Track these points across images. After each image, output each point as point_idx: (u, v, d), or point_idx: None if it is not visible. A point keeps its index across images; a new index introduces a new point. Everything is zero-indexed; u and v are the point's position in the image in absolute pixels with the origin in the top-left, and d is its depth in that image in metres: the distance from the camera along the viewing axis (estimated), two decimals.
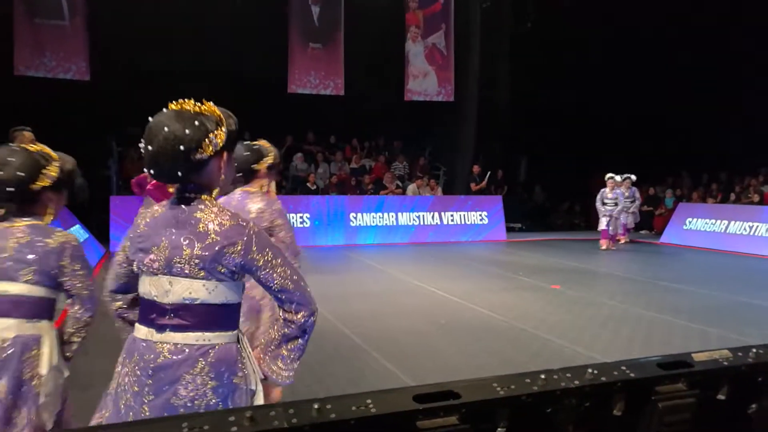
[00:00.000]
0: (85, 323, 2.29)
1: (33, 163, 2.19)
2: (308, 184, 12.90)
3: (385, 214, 12.57)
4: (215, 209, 1.78)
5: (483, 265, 9.69)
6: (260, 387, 1.87)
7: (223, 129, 1.79)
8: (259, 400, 1.85)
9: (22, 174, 2.15)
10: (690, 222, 13.22)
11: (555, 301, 7.01)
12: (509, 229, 13.80)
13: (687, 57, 14.70)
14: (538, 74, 15.38)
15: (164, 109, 1.75)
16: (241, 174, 3.11)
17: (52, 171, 2.24)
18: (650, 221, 14.98)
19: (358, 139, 15.02)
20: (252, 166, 3.15)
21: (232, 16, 12.63)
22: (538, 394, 1.20)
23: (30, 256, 2.17)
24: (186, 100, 1.77)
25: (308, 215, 11.97)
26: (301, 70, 13.14)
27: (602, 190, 11.78)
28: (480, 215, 13.28)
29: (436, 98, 14.30)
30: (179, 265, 1.73)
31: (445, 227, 12.93)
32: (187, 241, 1.73)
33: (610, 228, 11.67)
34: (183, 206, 1.78)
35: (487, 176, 14.29)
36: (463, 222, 13.10)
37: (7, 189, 2.14)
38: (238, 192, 3.14)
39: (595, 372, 1.25)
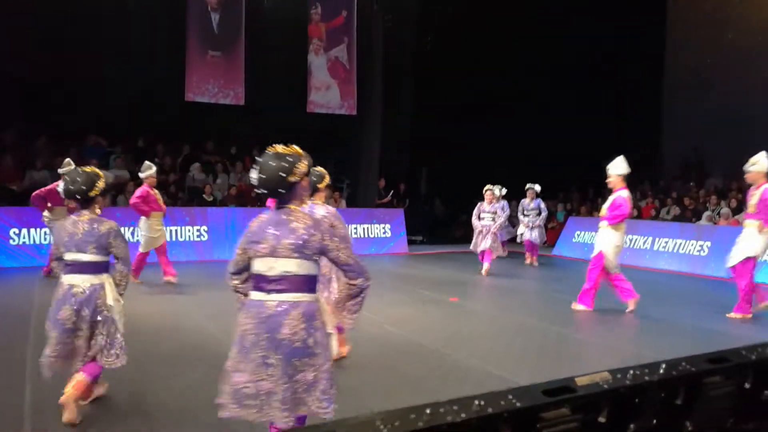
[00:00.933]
0: (126, 274, 3.83)
1: (90, 180, 3.73)
2: (204, 195, 12.40)
3: None
4: (300, 214, 2.78)
5: (385, 278, 9.73)
6: (334, 332, 2.90)
7: (305, 162, 2.79)
8: (333, 340, 2.87)
9: (85, 187, 3.70)
10: (579, 235, 14.01)
11: (453, 314, 7.14)
12: (411, 242, 14.00)
13: (583, 79, 15.68)
14: (441, 90, 15.81)
15: (266, 151, 2.83)
16: (308, 191, 4.35)
17: (101, 184, 3.78)
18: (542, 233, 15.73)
19: (259, 149, 14.67)
20: (317, 185, 4.54)
21: (125, 19, 11.97)
22: (423, 431, 1.16)
23: (91, 237, 3.66)
24: (278, 145, 2.86)
25: (205, 228, 11.50)
26: (199, 77, 12.66)
27: (479, 204, 10.42)
28: (383, 228, 13.37)
29: (339, 111, 14.28)
30: (279, 250, 2.69)
31: None
32: (284, 235, 2.69)
33: (487, 245, 10.18)
34: (280, 213, 2.77)
35: (391, 193, 14.58)
36: (366, 235, 13.12)
37: (76, 196, 3.72)
38: (307, 203, 4.26)
39: (482, 403, 1.23)
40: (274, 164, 2.73)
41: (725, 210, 12.58)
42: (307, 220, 2.75)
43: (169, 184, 12.66)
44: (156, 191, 8.77)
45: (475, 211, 10.43)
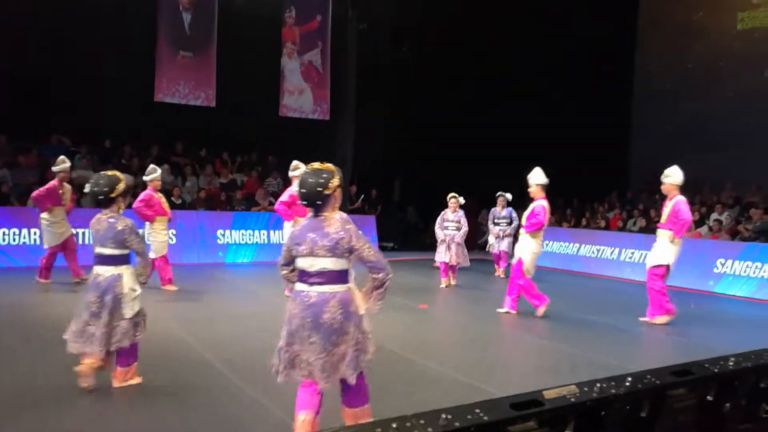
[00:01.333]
0: (144, 266, 4.40)
1: (112, 182, 4.28)
2: (173, 198, 12.17)
3: (256, 232, 12.21)
4: (332, 220, 3.28)
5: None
6: (365, 313, 3.37)
7: (337, 177, 3.29)
8: (366, 319, 3.37)
9: (107, 188, 4.25)
10: (547, 244, 14.17)
11: (423, 321, 7.14)
12: (382, 248, 13.97)
13: (556, 94, 15.90)
14: (415, 96, 15.87)
15: (307, 168, 3.37)
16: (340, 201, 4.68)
17: (121, 186, 4.31)
18: (514, 243, 15.85)
19: (230, 152, 14.52)
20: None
21: (92, 16, 11.73)
22: None
23: (110, 234, 4.21)
24: (314, 163, 3.36)
25: (173, 231, 11.29)
26: (169, 78, 12.46)
27: (443, 211, 10.05)
28: None
29: (312, 116, 14.22)
30: (317, 250, 3.22)
31: None
32: (320, 238, 3.22)
33: (451, 256, 9.76)
34: (316, 219, 3.30)
35: (361, 198, 14.54)
36: None
37: (99, 197, 4.25)
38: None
39: (449, 417, 1.21)
40: (312, 180, 3.24)
41: None
42: (338, 225, 3.26)
43: (136, 186, 12.41)
44: (161, 195, 8.50)
45: (438, 220, 10.09)
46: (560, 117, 15.80)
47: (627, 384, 1.49)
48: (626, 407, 1.49)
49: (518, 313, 7.71)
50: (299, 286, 3.32)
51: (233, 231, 11.95)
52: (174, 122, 13.33)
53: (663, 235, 7.34)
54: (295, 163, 8.25)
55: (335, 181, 3.28)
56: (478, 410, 1.24)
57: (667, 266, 7.31)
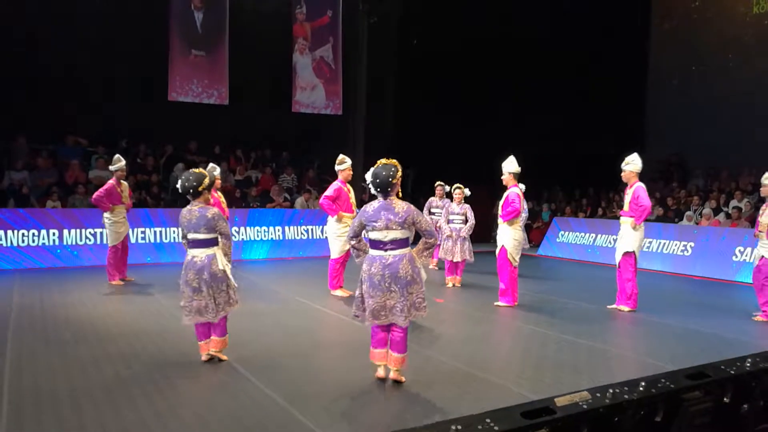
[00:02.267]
0: (229, 246, 5.03)
1: (199, 177, 4.96)
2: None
3: (272, 228, 12.27)
4: (399, 202, 4.37)
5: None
6: (423, 268, 4.46)
7: (400, 170, 4.39)
8: (423, 272, 4.46)
9: (195, 183, 4.92)
10: (563, 235, 14.08)
11: (439, 315, 7.13)
12: None
13: (568, 80, 15.73)
14: (427, 89, 15.78)
15: (378, 162, 4.42)
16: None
17: (207, 181, 4.98)
18: (528, 234, 15.76)
19: (243, 149, 14.58)
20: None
21: (108, 17, 11.82)
22: None
23: (202, 221, 4.86)
24: (384, 159, 4.43)
25: None
26: (182, 77, 12.52)
27: (447, 203, 9.70)
28: None
29: (324, 111, 14.22)
30: (390, 225, 4.29)
31: None
32: (392, 216, 4.29)
33: (455, 253, 9.09)
34: (386, 202, 4.34)
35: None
36: None
37: (189, 190, 4.92)
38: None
39: (459, 428, 1.21)
40: (384, 173, 4.32)
41: (707, 210, 12.70)
42: (404, 205, 4.35)
43: (152, 185, 12.53)
44: (220, 194, 8.15)
45: (441, 212, 9.66)
46: (575, 107, 15.64)
47: (641, 389, 1.47)
48: (640, 412, 1.48)
49: (533, 306, 7.68)
50: (375, 252, 4.36)
51: (248, 227, 12.02)
52: (187, 121, 13.41)
53: (625, 222, 7.47)
54: (341, 156, 8.35)
55: (399, 173, 4.37)
56: (488, 420, 1.23)
57: (633, 253, 7.41)
